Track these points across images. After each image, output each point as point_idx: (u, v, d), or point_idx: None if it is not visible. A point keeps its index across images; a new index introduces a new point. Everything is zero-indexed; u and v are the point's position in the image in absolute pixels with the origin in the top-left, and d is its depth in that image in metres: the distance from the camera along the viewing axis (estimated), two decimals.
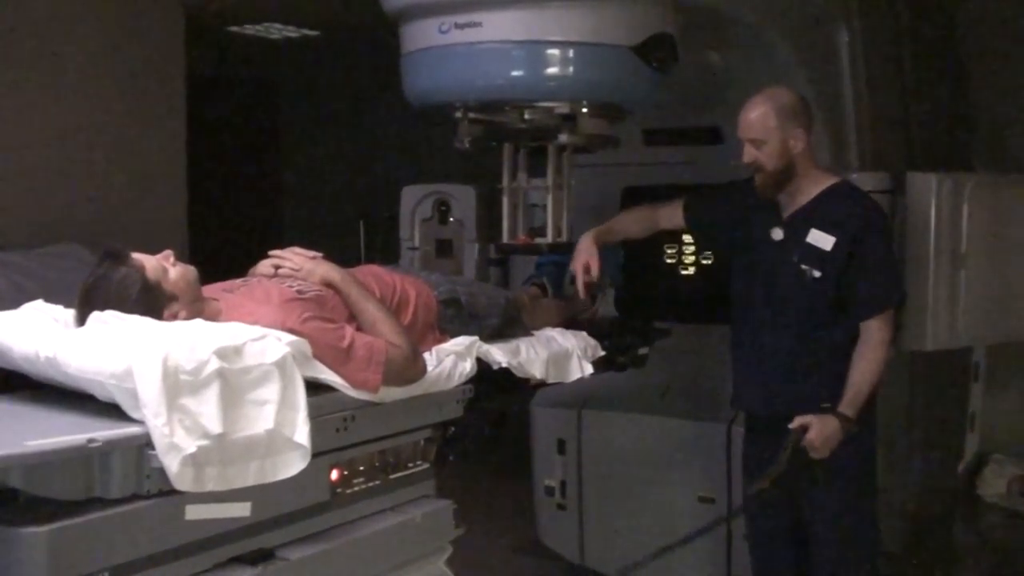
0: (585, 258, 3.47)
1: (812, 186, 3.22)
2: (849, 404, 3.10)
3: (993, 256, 3.97)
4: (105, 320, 2.29)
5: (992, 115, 5.36)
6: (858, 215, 3.18)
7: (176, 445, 1.99)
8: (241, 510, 2.19)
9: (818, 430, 3.03)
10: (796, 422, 3.05)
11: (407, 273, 3.11)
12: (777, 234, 3.24)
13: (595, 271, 3.47)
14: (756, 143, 3.14)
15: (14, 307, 2.51)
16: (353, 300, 2.69)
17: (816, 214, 3.19)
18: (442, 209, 4.62)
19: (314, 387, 2.34)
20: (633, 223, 3.67)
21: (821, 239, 3.15)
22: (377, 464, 2.57)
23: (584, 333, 3.28)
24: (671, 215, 3.58)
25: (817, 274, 3.14)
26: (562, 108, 3.30)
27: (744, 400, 3.46)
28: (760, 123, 3.13)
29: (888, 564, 4.09)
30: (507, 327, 3.08)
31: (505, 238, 3.59)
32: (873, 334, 3.14)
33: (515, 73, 3.19)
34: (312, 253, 2.83)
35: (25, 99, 5.58)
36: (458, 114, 3.31)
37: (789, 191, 3.22)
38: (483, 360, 2.84)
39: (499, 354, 2.88)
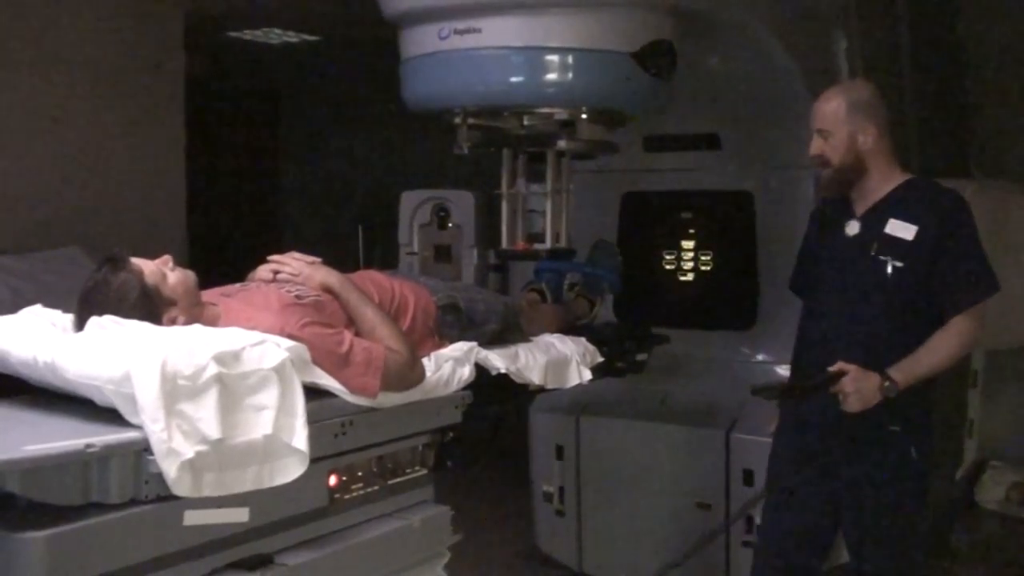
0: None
1: (885, 183, 3.09)
2: (900, 369, 2.91)
3: (992, 262, 3.98)
4: (103, 325, 2.29)
5: (991, 122, 5.37)
6: (942, 206, 3.04)
7: (174, 450, 1.99)
8: (239, 515, 2.18)
9: (854, 379, 2.87)
10: (837, 366, 2.90)
11: (406, 278, 3.10)
12: (852, 228, 3.11)
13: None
14: (824, 134, 3.06)
15: (13, 312, 2.50)
16: (352, 305, 2.69)
17: (894, 206, 3.06)
18: (441, 215, 4.64)
19: (313, 392, 2.33)
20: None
21: (901, 228, 3.01)
22: (375, 469, 2.57)
23: (583, 339, 3.28)
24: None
25: (899, 264, 2.99)
26: (561, 114, 3.30)
27: (799, 415, 3.19)
28: (830, 114, 3.06)
29: None
30: (506, 333, 3.08)
31: (504, 244, 3.60)
32: (955, 324, 2.98)
33: (514, 79, 3.19)
34: (311, 258, 2.82)
35: (24, 104, 5.59)
36: (457, 120, 3.31)
37: (861, 189, 3.10)
38: (482, 366, 2.84)
39: (498, 360, 2.88)
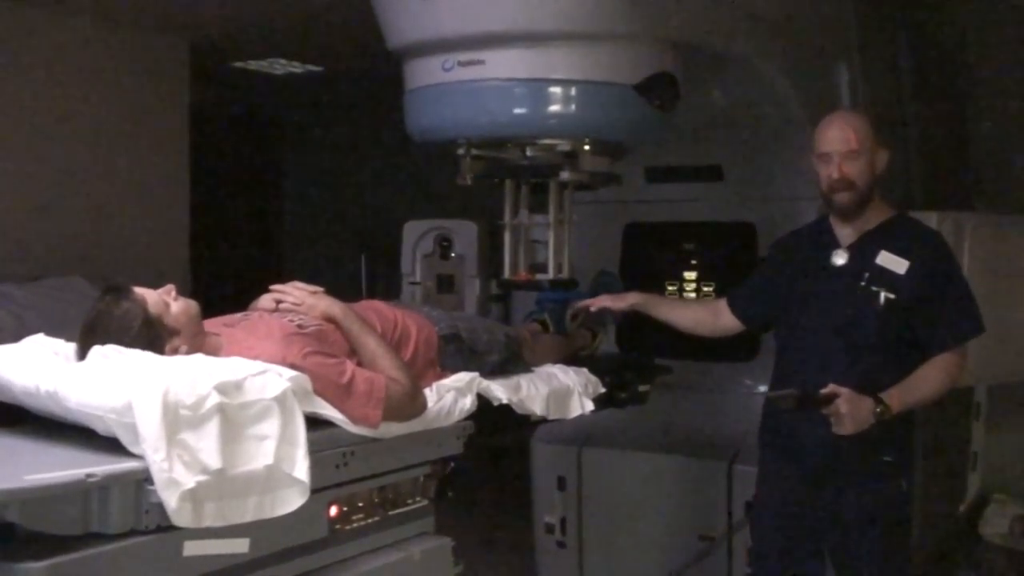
0: (612, 302, 3.53)
1: (876, 213, 3.10)
2: (893, 396, 2.92)
3: (994, 295, 3.97)
4: (106, 354, 2.29)
5: (993, 153, 5.38)
6: (932, 245, 3.07)
7: (175, 480, 1.98)
8: (239, 546, 2.18)
9: (848, 400, 2.87)
10: (830, 388, 2.89)
11: (408, 308, 3.11)
12: (839, 258, 3.09)
13: (601, 306, 3.53)
14: (856, 155, 3.02)
15: (16, 340, 2.51)
16: (354, 335, 2.69)
17: (885, 238, 3.06)
18: (444, 244, 4.63)
19: (314, 422, 2.33)
20: (684, 310, 3.63)
21: (893, 262, 3.01)
22: (376, 500, 2.56)
23: (585, 370, 3.28)
24: (718, 313, 3.46)
25: (891, 296, 2.99)
26: (564, 145, 3.31)
27: (793, 443, 3.16)
28: (863, 134, 3.02)
29: None
30: (508, 363, 3.08)
31: (506, 274, 3.59)
32: (945, 359, 3.00)
33: (518, 110, 3.20)
34: (313, 288, 2.83)
35: (29, 133, 5.61)
36: (461, 150, 3.32)
37: (851, 217, 3.09)
38: (483, 396, 2.83)
39: (499, 390, 2.88)
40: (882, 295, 3.00)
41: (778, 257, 3.35)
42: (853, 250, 3.09)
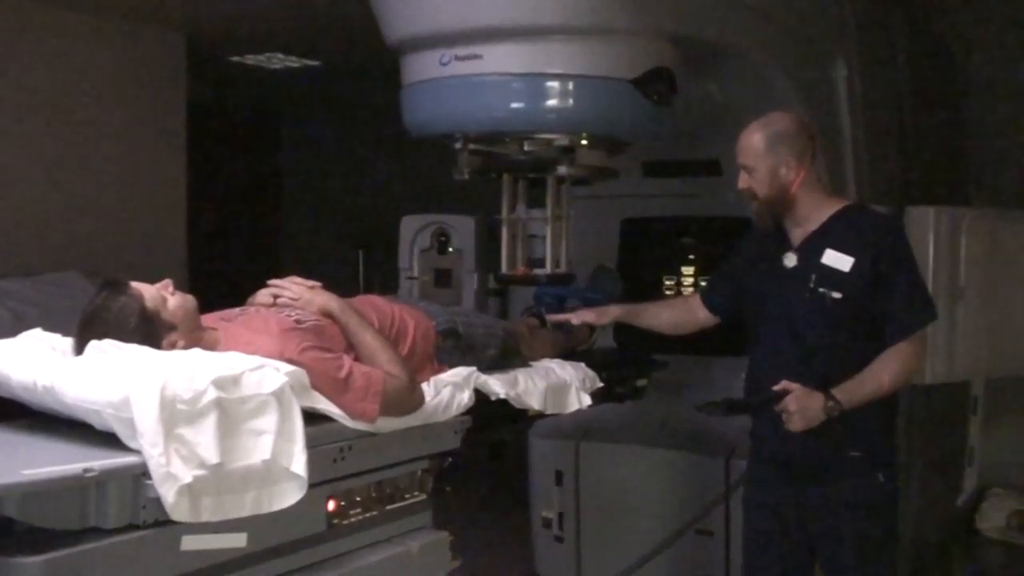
0: (595, 318, 3.50)
1: (820, 211, 3.08)
2: (843, 391, 2.92)
3: (991, 289, 3.98)
4: (103, 349, 2.29)
5: (990, 149, 5.39)
6: (876, 236, 3.03)
7: (172, 475, 1.98)
8: (237, 541, 2.18)
9: (797, 398, 2.89)
10: (781, 385, 2.92)
11: (406, 303, 3.11)
12: (790, 260, 3.10)
13: (584, 320, 3.51)
14: (748, 169, 3.07)
15: (13, 335, 2.51)
16: (352, 330, 2.69)
17: (830, 236, 3.05)
18: (441, 239, 4.63)
19: (311, 417, 2.33)
20: (662, 313, 3.59)
21: (838, 260, 3.00)
22: (374, 495, 2.56)
23: (582, 364, 3.28)
24: (693, 309, 3.49)
25: (837, 296, 2.99)
26: (561, 140, 3.31)
27: (765, 443, 3.21)
28: (751, 149, 3.05)
29: None
30: (505, 358, 3.08)
31: (504, 269, 3.60)
32: (898, 349, 2.98)
33: (515, 105, 3.20)
34: (311, 283, 2.83)
35: (26, 128, 5.61)
36: (458, 145, 3.32)
37: (794, 219, 3.10)
38: (481, 391, 2.84)
39: (497, 385, 2.88)
40: (830, 296, 3.00)
41: (741, 253, 3.36)
42: (801, 251, 3.09)
